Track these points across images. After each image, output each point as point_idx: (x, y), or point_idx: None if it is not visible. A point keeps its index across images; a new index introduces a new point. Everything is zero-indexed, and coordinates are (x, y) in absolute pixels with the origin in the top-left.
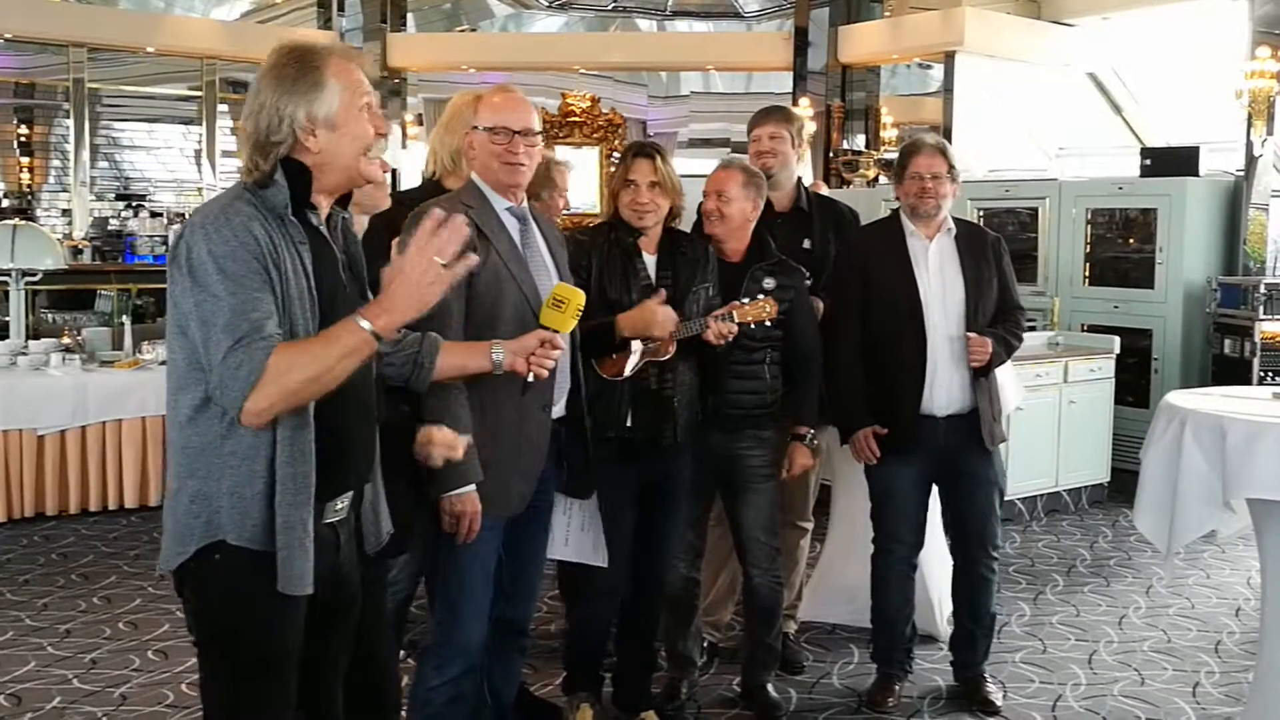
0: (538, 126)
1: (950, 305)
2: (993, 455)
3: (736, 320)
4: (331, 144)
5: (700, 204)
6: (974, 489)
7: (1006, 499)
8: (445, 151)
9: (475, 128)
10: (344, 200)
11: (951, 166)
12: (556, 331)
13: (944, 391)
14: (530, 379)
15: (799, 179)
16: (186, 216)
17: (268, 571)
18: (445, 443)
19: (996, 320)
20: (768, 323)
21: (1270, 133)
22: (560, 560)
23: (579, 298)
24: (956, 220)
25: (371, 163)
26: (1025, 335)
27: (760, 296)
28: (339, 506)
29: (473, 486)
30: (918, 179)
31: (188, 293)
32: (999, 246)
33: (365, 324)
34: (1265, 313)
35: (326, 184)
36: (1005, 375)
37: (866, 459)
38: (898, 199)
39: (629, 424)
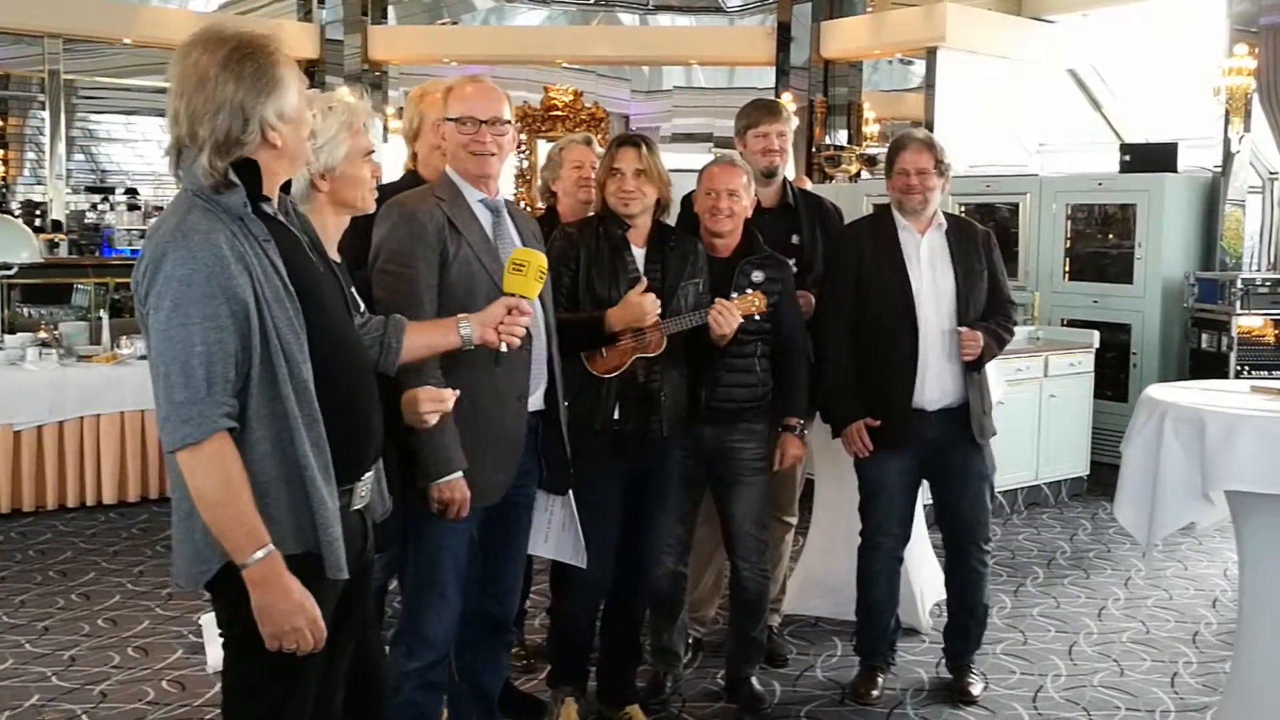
0: (508, 116)
1: (942, 300)
2: (983, 449)
3: (741, 313)
4: (290, 137)
5: (686, 198)
6: (965, 483)
7: None
8: (422, 145)
9: (446, 119)
10: (284, 185)
11: (939, 162)
12: (523, 297)
13: (935, 385)
14: (504, 349)
15: (784, 175)
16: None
17: (299, 572)
18: (433, 397)
19: (987, 314)
20: (757, 316)
21: (1247, 129)
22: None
23: (539, 259)
24: (947, 215)
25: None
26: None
27: (749, 290)
28: (362, 494)
29: (460, 473)
30: (904, 175)
31: (151, 316)
32: (989, 241)
33: (260, 553)
34: (1242, 307)
35: (281, 176)
36: (990, 370)
37: (859, 452)
38: (888, 193)
39: (616, 417)
